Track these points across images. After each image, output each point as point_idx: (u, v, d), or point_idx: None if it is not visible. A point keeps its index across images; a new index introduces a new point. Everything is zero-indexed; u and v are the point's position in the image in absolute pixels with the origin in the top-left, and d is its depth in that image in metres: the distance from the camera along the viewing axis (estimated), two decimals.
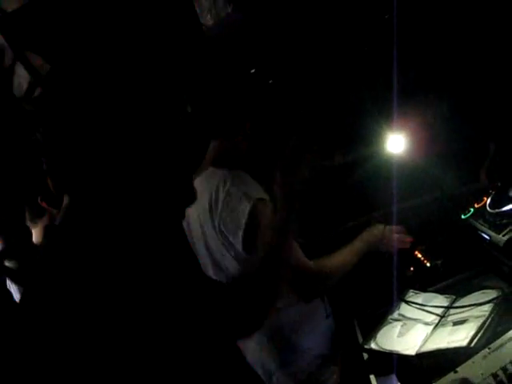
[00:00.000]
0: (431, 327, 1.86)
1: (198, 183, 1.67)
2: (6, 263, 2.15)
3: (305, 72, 2.66)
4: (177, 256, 1.24)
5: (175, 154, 1.14)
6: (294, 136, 1.68)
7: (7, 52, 2.19)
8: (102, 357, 0.98)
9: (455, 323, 1.80)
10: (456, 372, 1.51)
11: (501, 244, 1.80)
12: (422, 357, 1.71)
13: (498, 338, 1.53)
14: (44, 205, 1.79)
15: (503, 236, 1.80)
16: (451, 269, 2.22)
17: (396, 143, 2.24)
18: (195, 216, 2.02)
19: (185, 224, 2.07)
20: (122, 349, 1.00)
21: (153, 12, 2.29)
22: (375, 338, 1.95)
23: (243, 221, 1.83)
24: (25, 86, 2.22)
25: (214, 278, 1.86)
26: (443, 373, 1.55)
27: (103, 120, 1.06)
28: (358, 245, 2.14)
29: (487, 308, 1.77)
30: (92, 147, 1.06)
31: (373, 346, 1.91)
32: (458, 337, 1.68)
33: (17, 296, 2.27)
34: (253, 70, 2.67)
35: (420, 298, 2.10)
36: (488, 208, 1.98)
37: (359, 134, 2.40)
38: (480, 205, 2.08)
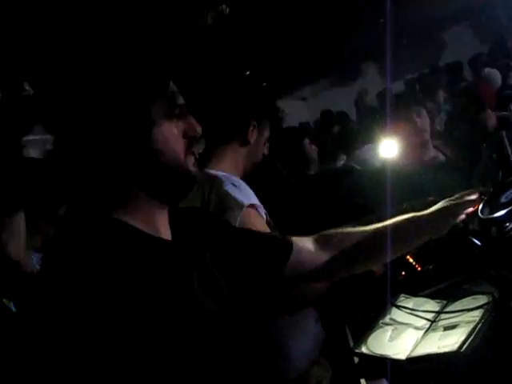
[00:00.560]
0: (422, 332, 1.87)
1: None
2: None
3: (298, 73, 2.67)
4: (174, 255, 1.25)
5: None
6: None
7: None
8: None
9: (446, 328, 1.81)
10: None
11: (491, 250, 1.80)
12: (412, 361, 1.72)
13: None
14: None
15: (494, 242, 1.81)
16: (442, 274, 2.23)
17: (389, 148, 2.25)
18: None
19: None
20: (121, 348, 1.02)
21: (152, 12, 2.30)
22: (366, 342, 1.96)
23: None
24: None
25: None
26: (432, 376, 1.57)
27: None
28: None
29: (478, 313, 1.78)
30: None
31: (364, 350, 1.92)
32: (449, 342, 1.70)
33: None
34: (247, 72, 2.68)
35: (411, 302, 2.10)
36: (479, 214, 1.98)
37: (353, 139, 2.41)
38: (472, 210, 2.09)
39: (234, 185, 1.94)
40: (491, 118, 3.46)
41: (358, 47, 7.30)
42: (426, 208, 1.89)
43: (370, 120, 3.77)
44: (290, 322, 2.05)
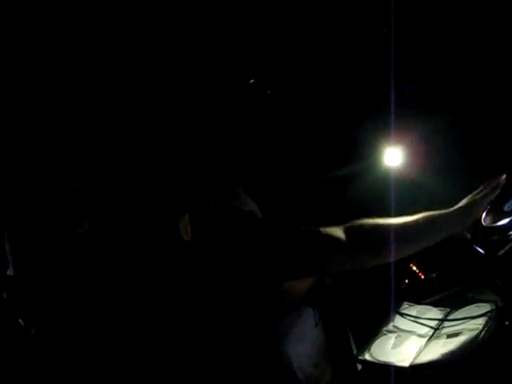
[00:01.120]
0: (425, 339, 1.88)
1: None
2: None
3: (303, 85, 2.69)
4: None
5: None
6: None
7: None
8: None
9: (449, 336, 1.82)
10: None
11: (495, 258, 1.81)
12: (415, 368, 1.73)
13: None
14: None
15: (497, 250, 1.82)
16: (446, 282, 2.24)
17: (393, 157, 2.26)
18: None
19: None
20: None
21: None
22: (369, 349, 1.97)
23: None
24: None
25: None
26: None
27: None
28: None
29: (481, 321, 1.78)
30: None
31: (367, 357, 1.93)
32: (452, 349, 1.70)
33: None
34: (252, 81, 2.69)
35: (414, 310, 2.11)
36: (483, 222, 1.99)
37: (357, 148, 2.42)
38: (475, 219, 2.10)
39: (233, 192, 1.95)
40: None
41: None
42: None
43: None
44: (288, 327, 2.06)
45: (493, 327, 1.74)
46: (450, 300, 2.13)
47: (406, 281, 2.35)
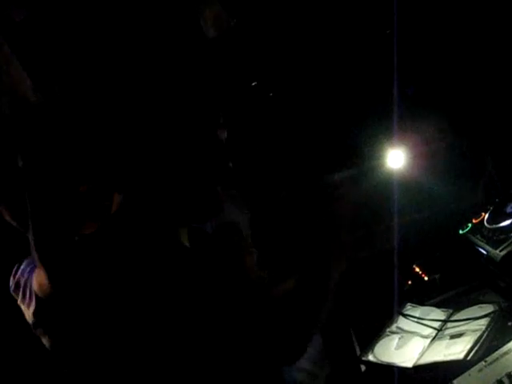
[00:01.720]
0: (428, 340, 1.88)
1: None
2: None
3: (305, 85, 2.69)
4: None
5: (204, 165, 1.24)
6: None
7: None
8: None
9: (452, 337, 1.83)
10: None
11: (497, 259, 1.82)
12: (419, 369, 1.74)
13: (494, 351, 1.56)
14: None
15: (500, 251, 1.83)
16: (449, 283, 2.24)
17: (396, 158, 2.27)
18: None
19: None
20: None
21: (156, 23, 2.32)
22: (373, 350, 1.97)
23: None
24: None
25: None
26: None
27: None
28: None
29: (484, 322, 1.79)
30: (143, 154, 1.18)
31: (370, 358, 1.94)
32: (455, 350, 1.71)
33: None
34: (254, 83, 2.70)
35: (418, 311, 2.12)
36: (486, 223, 2.01)
37: (359, 149, 2.43)
38: (478, 220, 2.11)
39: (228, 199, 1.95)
40: None
41: None
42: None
43: None
44: None
45: (496, 328, 1.75)
46: (453, 301, 2.13)
47: (409, 282, 2.36)
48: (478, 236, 2.03)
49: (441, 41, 2.62)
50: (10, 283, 2.15)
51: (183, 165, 1.21)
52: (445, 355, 1.72)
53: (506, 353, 1.51)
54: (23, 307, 2.13)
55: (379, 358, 1.91)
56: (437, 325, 1.96)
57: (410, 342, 1.93)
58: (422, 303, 2.19)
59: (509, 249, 1.80)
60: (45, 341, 1.24)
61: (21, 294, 2.12)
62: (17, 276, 2.14)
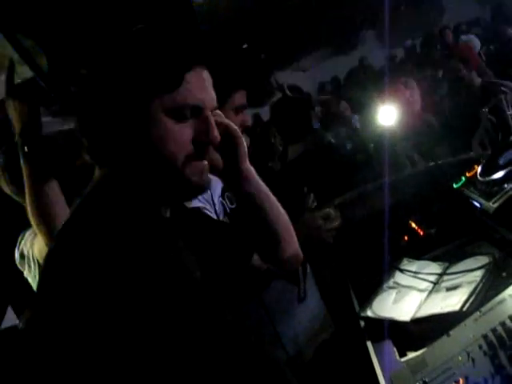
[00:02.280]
0: (425, 294, 1.91)
1: None
2: None
3: (297, 44, 2.68)
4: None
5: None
6: None
7: None
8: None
9: (448, 289, 1.85)
10: (449, 335, 1.57)
11: (491, 211, 1.84)
12: (416, 322, 1.76)
13: (488, 301, 1.58)
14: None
15: (493, 203, 1.84)
16: (445, 237, 2.27)
17: (387, 115, 2.27)
18: None
19: None
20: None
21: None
22: (371, 305, 2.00)
23: None
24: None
25: None
26: (437, 336, 1.61)
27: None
28: None
29: (479, 273, 1.82)
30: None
31: (369, 313, 1.97)
32: (451, 302, 1.74)
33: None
34: (245, 45, 2.69)
35: (414, 265, 2.15)
36: (479, 176, 2.02)
37: (351, 106, 2.43)
38: (471, 174, 2.13)
39: None
40: (475, 77, 3.47)
41: (356, 15, 7.27)
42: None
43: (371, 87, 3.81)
44: (276, 311, 2.03)
45: (491, 279, 1.77)
46: (449, 254, 2.16)
47: (406, 237, 2.38)
48: (472, 189, 2.05)
49: None
50: (16, 255, 2.18)
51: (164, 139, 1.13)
52: (441, 307, 1.75)
53: (499, 302, 1.53)
54: (30, 279, 2.17)
55: (377, 313, 1.94)
56: (433, 278, 1.99)
57: (408, 296, 1.95)
58: (418, 258, 2.21)
59: (502, 200, 1.82)
60: None
61: (26, 264, 2.15)
62: (20, 247, 2.17)
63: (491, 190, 1.91)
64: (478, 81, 3.52)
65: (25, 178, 1.78)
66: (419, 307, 1.83)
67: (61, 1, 1.69)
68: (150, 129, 1.11)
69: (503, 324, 1.42)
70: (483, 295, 1.70)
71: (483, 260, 1.88)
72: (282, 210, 1.42)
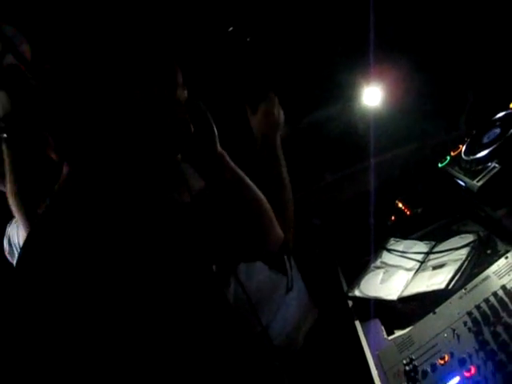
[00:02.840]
0: (412, 273, 1.93)
1: None
2: None
3: (282, 28, 2.67)
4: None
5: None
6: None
7: None
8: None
9: (434, 267, 1.88)
10: (435, 313, 1.59)
11: (475, 190, 1.85)
12: (403, 301, 1.79)
13: (473, 279, 1.60)
14: None
15: (477, 182, 1.85)
16: (431, 216, 2.29)
17: (372, 96, 2.28)
18: None
19: None
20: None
21: None
22: (359, 285, 2.03)
23: None
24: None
25: None
26: (423, 314, 1.63)
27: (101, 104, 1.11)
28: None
29: (464, 252, 1.84)
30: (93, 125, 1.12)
31: (357, 293, 1.99)
32: (437, 280, 1.76)
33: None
34: (230, 28, 2.67)
35: (401, 245, 2.17)
36: (463, 155, 2.03)
37: (336, 88, 2.43)
38: (456, 153, 2.14)
39: None
40: None
41: None
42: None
43: None
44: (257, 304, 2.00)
45: (475, 257, 1.79)
46: (436, 233, 2.18)
47: (393, 217, 2.40)
48: (457, 168, 2.06)
49: None
50: (4, 245, 2.17)
51: (139, 132, 1.15)
52: (427, 286, 1.77)
53: (484, 279, 1.55)
54: None
55: (365, 293, 1.96)
56: (420, 257, 2.01)
57: (395, 276, 1.97)
58: (405, 237, 2.23)
59: (485, 179, 1.83)
60: None
61: (16, 253, 2.14)
62: (8, 236, 2.16)
63: (475, 168, 1.93)
64: None
65: (5, 165, 1.77)
66: (406, 286, 1.85)
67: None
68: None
69: (487, 301, 1.45)
70: (468, 273, 1.72)
71: (468, 238, 1.90)
72: (259, 194, 1.40)
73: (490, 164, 1.85)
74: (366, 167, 2.48)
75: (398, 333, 1.69)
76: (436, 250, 2.00)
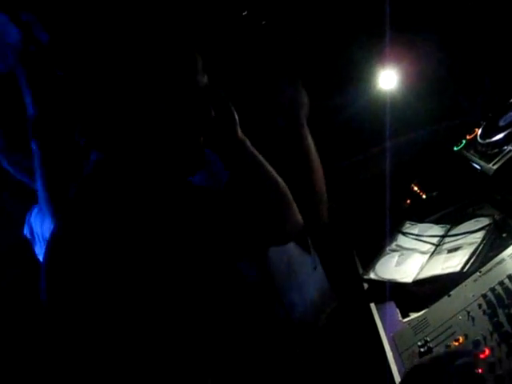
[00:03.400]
0: (427, 256, 1.94)
1: None
2: None
3: (296, 11, 2.66)
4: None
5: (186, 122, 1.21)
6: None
7: None
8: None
9: (450, 251, 1.89)
10: (449, 296, 1.60)
11: (491, 173, 1.85)
12: (418, 283, 1.80)
13: (488, 262, 1.61)
14: None
15: (493, 165, 1.85)
16: (446, 200, 2.29)
17: (388, 79, 2.27)
18: None
19: None
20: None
21: None
22: (374, 268, 2.04)
23: None
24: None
25: None
26: (438, 297, 1.64)
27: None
28: None
29: (479, 235, 1.84)
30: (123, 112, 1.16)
31: (372, 275, 2.00)
32: (452, 263, 1.77)
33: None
34: (245, 12, 2.67)
35: (416, 228, 2.18)
36: (479, 139, 2.03)
37: (352, 72, 2.43)
38: (471, 136, 2.13)
39: None
40: None
41: None
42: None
43: None
44: (282, 280, 2.02)
45: (491, 240, 1.80)
46: (451, 217, 2.19)
47: (408, 201, 2.40)
48: (472, 151, 2.05)
49: None
50: (25, 231, 2.21)
51: (161, 119, 1.18)
52: (442, 269, 1.78)
53: (498, 262, 1.56)
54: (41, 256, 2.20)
55: (380, 276, 1.97)
56: (435, 240, 2.02)
57: (410, 259, 1.99)
58: (420, 221, 2.24)
59: (501, 162, 1.83)
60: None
61: (37, 242, 2.18)
62: (31, 225, 2.20)
63: (491, 151, 1.92)
64: None
65: (35, 160, 1.81)
66: (421, 269, 1.87)
67: None
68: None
69: (502, 283, 1.45)
70: (483, 256, 1.73)
71: (484, 222, 1.91)
72: (279, 180, 1.42)
73: (505, 147, 1.85)
74: (381, 151, 2.48)
75: (413, 315, 1.70)
76: (451, 233, 2.01)
